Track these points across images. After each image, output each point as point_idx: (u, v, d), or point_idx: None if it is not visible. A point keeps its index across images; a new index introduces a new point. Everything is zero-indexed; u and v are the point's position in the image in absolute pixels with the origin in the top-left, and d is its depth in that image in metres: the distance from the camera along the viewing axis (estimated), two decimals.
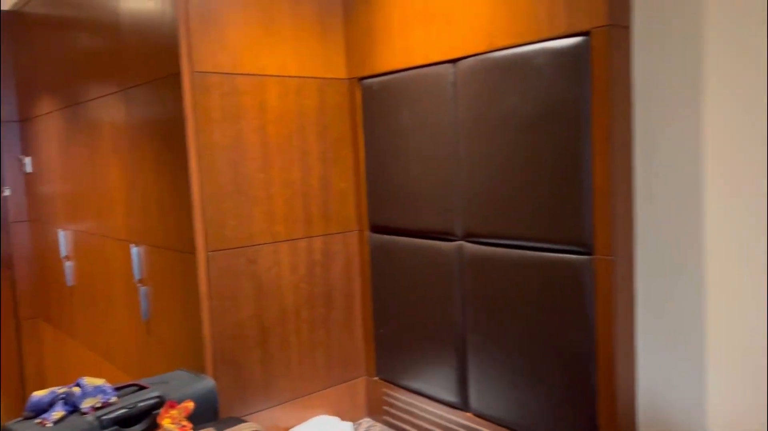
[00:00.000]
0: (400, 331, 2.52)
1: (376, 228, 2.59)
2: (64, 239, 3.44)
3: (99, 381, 1.92)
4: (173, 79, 2.18)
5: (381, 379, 2.66)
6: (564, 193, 1.86)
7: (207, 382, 2.11)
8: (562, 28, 1.80)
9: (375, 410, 2.69)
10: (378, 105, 2.49)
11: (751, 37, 1.55)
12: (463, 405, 2.29)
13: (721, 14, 1.60)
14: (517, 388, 2.06)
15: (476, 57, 2.06)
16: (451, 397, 2.33)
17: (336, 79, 2.56)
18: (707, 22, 1.63)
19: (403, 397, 2.54)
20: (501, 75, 1.99)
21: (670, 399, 1.82)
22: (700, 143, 1.67)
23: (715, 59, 1.62)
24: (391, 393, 2.60)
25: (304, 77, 2.45)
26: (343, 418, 2.62)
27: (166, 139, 2.32)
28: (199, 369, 2.26)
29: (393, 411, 2.60)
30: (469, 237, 2.19)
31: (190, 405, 1.86)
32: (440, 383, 2.36)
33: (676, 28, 1.69)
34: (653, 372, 1.85)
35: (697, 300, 1.73)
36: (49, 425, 1.77)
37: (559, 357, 1.93)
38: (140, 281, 2.65)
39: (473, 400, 2.24)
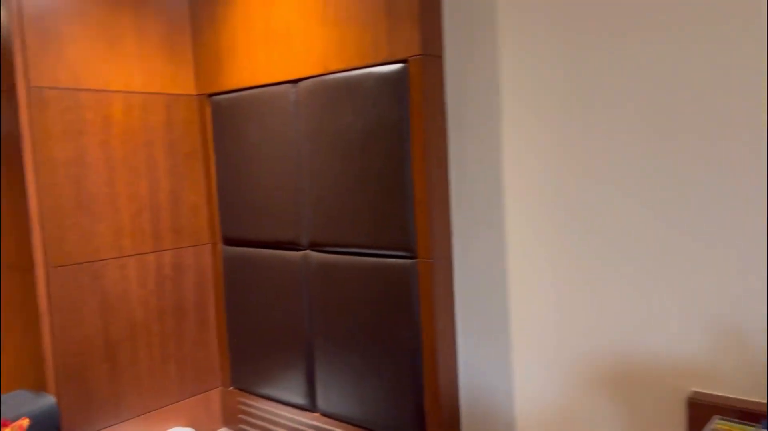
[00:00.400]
0: (254, 340, 2.60)
1: (228, 241, 2.66)
2: None
3: None
4: (8, 94, 2.15)
5: (236, 388, 2.72)
6: (391, 202, 2.05)
7: (47, 400, 2.08)
8: (385, 56, 2.00)
9: (231, 419, 2.75)
10: (227, 120, 2.58)
11: (539, 63, 1.81)
12: (311, 407, 2.42)
13: (514, 45, 1.86)
14: (357, 385, 2.22)
15: (314, 78, 2.22)
16: (300, 400, 2.45)
17: (185, 95, 2.62)
18: (503, 52, 1.88)
19: (257, 404, 2.62)
20: (335, 95, 2.16)
21: (486, 384, 2.05)
22: (501, 156, 1.92)
23: (510, 83, 1.88)
24: (246, 401, 2.67)
25: (151, 93, 2.49)
26: (198, 429, 2.65)
27: (2, 155, 2.27)
28: (41, 387, 2.22)
29: (249, 419, 2.67)
30: (313, 246, 2.33)
31: (25, 422, 1.84)
32: (291, 387, 2.48)
33: (480, 57, 1.94)
34: (472, 362, 2.07)
35: (503, 295, 1.97)
36: None
37: (391, 354, 2.11)
38: None
39: (320, 401, 2.37)
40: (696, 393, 1.60)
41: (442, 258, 2.03)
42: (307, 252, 2.35)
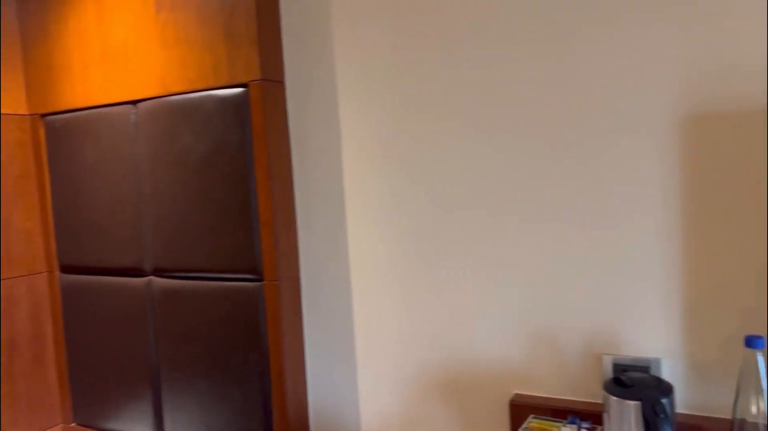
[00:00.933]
0: (97, 372, 2.47)
1: (66, 269, 2.52)
2: None
3: None
4: None
5: (78, 424, 2.56)
6: (236, 225, 2.05)
7: None
8: (226, 80, 2.00)
9: None
10: (63, 142, 2.45)
11: (376, 85, 1.91)
12: None
13: (351, 68, 1.94)
14: (206, 412, 2.18)
15: (154, 100, 2.18)
16: None
17: (15, 114, 2.46)
18: (341, 77, 1.96)
19: None
20: (176, 117, 2.13)
21: (334, 401, 2.10)
22: (343, 175, 1.99)
23: (348, 106, 1.96)
24: None
25: None
26: None
27: None
28: None
29: None
30: (158, 272, 2.27)
31: None
32: (137, 418, 2.38)
33: (319, 81, 2.00)
34: (321, 380, 2.12)
35: (349, 313, 2.03)
36: None
37: (240, 377, 2.10)
38: None
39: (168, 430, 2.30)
40: (517, 395, 1.74)
41: (289, 278, 2.06)
42: (151, 278, 2.28)
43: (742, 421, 1.26)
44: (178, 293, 2.22)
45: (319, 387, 2.12)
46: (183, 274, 2.20)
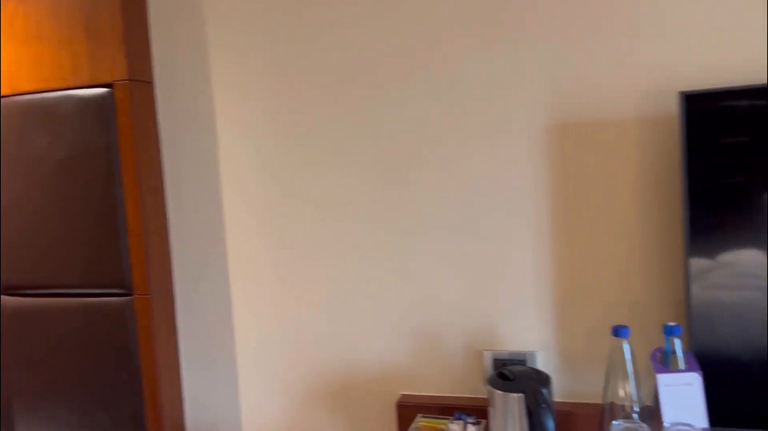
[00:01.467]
0: None
1: None
2: None
3: None
4: None
5: None
6: (102, 236, 1.90)
7: None
8: (87, 79, 1.85)
9: None
10: None
11: (251, 87, 1.85)
12: None
13: (225, 69, 1.87)
14: None
15: (2, 99, 1.96)
16: None
17: None
18: (214, 77, 1.88)
19: None
20: (28, 119, 1.93)
21: (214, 418, 2.00)
22: (219, 181, 1.92)
23: (224, 109, 1.89)
24: None
25: None
26: None
27: None
28: None
29: None
30: (7, 290, 2.04)
31: None
32: None
33: (192, 82, 1.91)
34: (199, 397, 2.01)
35: (229, 324, 1.95)
36: None
37: (109, 401, 1.94)
38: None
39: None
40: (404, 395, 1.77)
41: (162, 291, 1.94)
42: None
43: (612, 404, 1.37)
44: (33, 313, 2.01)
45: (198, 405, 2.02)
46: (38, 291, 2.00)
